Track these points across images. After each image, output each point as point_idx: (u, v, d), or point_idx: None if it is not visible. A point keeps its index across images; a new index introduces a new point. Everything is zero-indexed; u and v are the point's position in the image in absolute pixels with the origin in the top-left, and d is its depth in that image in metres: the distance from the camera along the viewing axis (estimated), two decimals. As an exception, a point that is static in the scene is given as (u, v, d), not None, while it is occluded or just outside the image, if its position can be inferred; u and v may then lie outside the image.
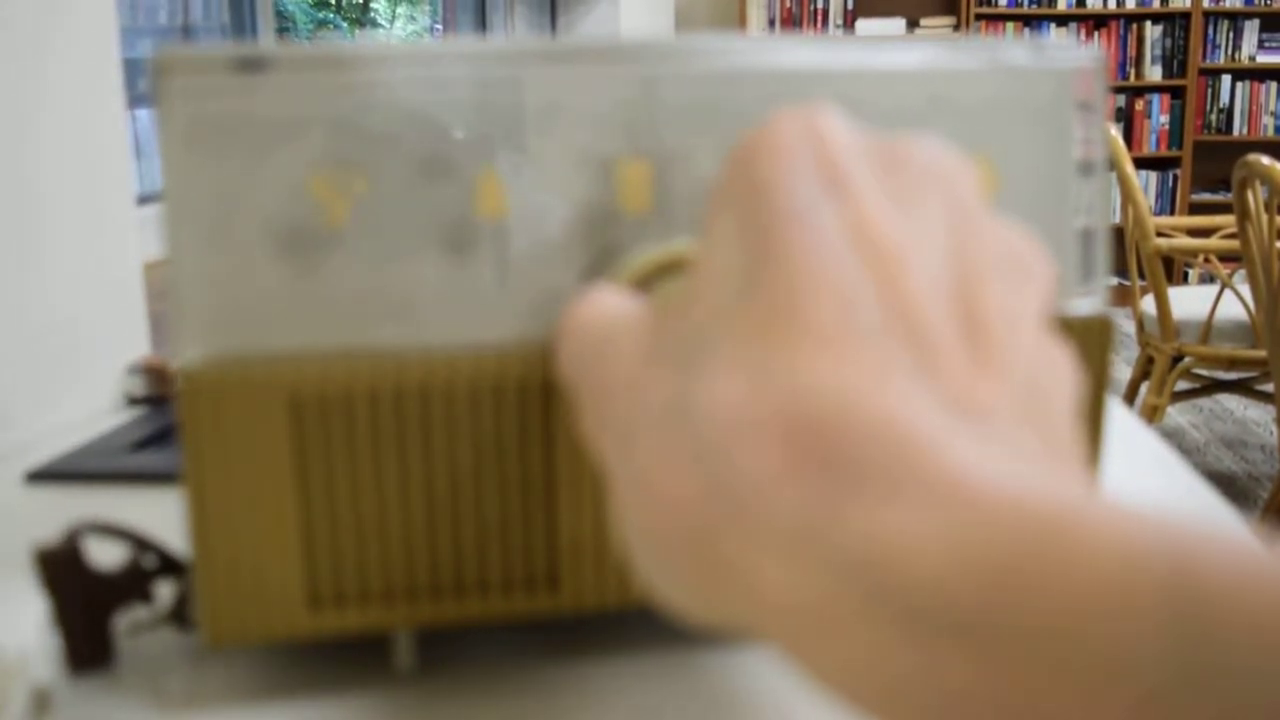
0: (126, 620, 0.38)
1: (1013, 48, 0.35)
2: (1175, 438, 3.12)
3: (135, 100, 0.97)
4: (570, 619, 0.39)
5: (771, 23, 4.91)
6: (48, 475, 0.56)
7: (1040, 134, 0.34)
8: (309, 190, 0.30)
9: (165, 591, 0.37)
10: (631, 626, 0.38)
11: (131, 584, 0.36)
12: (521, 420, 0.32)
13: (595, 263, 0.32)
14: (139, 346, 0.75)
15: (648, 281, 0.31)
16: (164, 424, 0.64)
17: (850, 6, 4.89)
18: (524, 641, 0.37)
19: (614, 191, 0.32)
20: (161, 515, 0.51)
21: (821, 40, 0.33)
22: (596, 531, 0.33)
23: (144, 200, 0.91)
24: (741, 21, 4.81)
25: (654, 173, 0.32)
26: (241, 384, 0.30)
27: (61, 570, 0.35)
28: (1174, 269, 4.82)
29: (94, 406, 0.70)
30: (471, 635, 0.38)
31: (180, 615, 0.36)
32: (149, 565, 0.36)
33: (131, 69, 0.81)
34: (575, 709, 0.34)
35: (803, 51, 0.33)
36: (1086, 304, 0.35)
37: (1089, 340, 0.34)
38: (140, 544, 0.36)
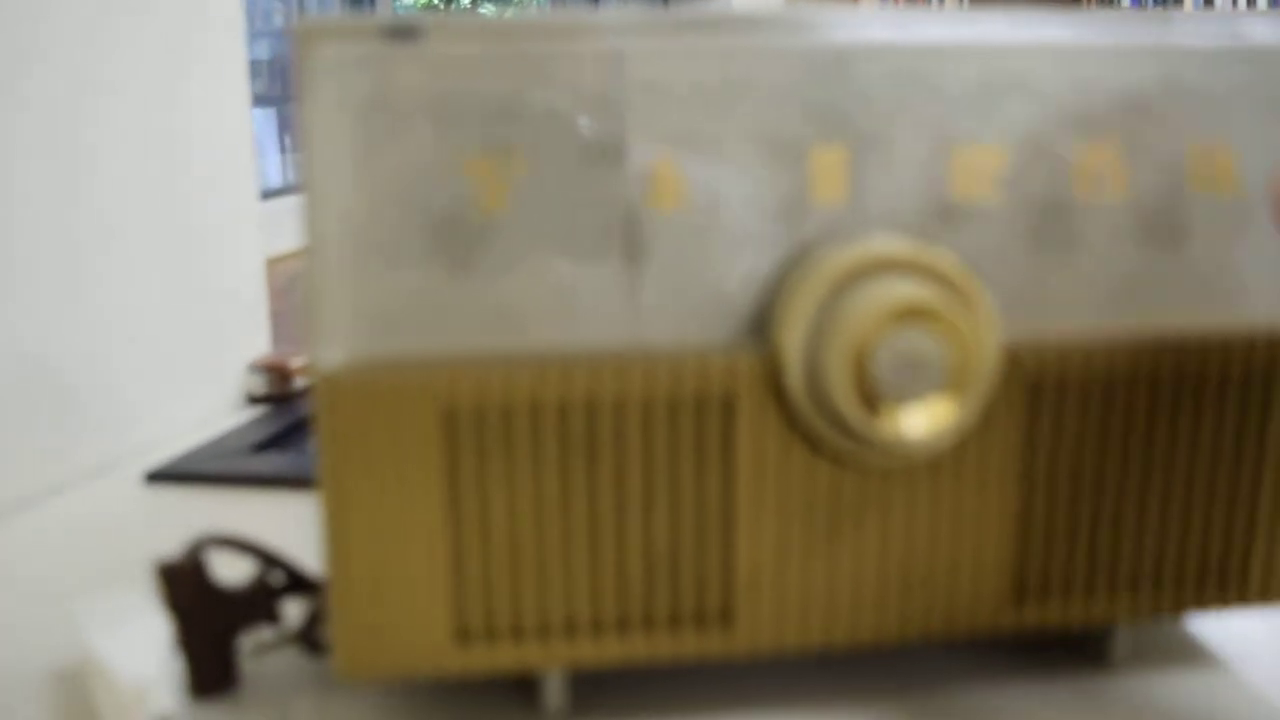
0: (250, 641, 0.35)
1: (1259, 24, 0.30)
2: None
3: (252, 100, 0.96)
4: (745, 662, 0.35)
5: None
6: (167, 476, 0.55)
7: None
8: (464, 174, 0.27)
9: (292, 610, 0.35)
10: (811, 673, 0.34)
11: (257, 603, 0.33)
12: (699, 436, 0.28)
13: (783, 260, 0.28)
14: (260, 344, 0.74)
15: (842, 286, 0.27)
16: (285, 425, 0.62)
17: None
18: (690, 685, 0.34)
19: (805, 180, 0.28)
20: (282, 521, 0.48)
21: (1026, 13, 0.29)
22: (778, 562, 0.29)
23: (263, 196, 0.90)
24: None
25: (850, 159, 0.28)
26: (389, 392, 0.27)
27: (185, 588, 0.32)
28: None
29: (215, 405, 0.69)
30: (631, 675, 0.34)
31: (308, 637, 0.34)
32: (276, 583, 0.34)
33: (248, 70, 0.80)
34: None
35: (1011, 25, 0.29)
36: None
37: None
38: (267, 560, 0.34)
